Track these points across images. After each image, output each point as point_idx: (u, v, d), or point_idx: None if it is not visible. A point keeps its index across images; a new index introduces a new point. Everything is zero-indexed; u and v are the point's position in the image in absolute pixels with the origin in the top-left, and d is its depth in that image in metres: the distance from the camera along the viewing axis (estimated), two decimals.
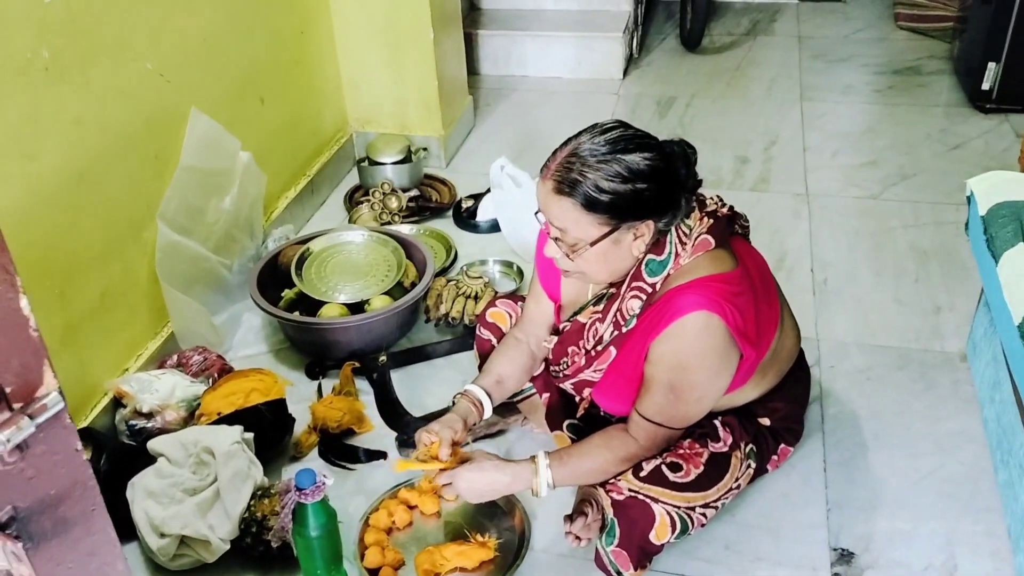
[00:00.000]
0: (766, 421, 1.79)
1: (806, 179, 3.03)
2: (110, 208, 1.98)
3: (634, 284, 1.58)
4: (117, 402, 2.00)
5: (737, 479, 1.70)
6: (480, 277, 2.36)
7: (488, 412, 1.77)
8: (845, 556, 1.74)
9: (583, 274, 1.59)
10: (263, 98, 2.59)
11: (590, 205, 1.46)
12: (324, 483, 1.54)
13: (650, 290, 1.57)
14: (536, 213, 1.55)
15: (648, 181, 1.47)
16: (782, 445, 1.84)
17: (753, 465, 1.75)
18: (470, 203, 2.85)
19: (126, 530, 1.74)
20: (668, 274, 1.56)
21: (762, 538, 1.78)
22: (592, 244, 1.50)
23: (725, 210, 1.69)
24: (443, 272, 2.57)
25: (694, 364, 1.55)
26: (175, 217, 2.17)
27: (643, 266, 1.57)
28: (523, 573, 1.71)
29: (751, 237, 1.78)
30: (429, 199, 2.93)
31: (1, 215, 1.67)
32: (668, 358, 1.55)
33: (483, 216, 2.78)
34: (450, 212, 2.88)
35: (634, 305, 1.59)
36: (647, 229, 1.51)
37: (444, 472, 1.62)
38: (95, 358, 1.99)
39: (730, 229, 1.68)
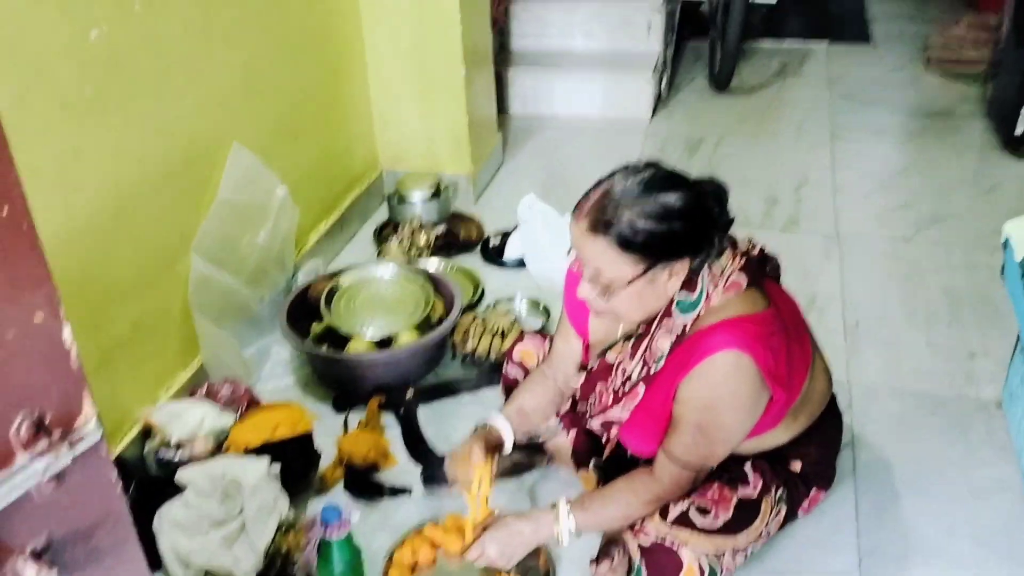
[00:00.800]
0: (797, 466, 1.76)
1: (837, 220, 3.02)
2: (145, 240, 2.01)
3: (664, 323, 1.58)
4: (146, 432, 2.01)
5: (767, 524, 1.67)
6: (507, 314, 2.37)
7: (509, 442, 1.76)
8: None
9: (616, 314, 1.58)
10: (297, 135, 2.63)
11: (625, 244, 1.46)
12: (349, 520, 1.53)
13: (680, 329, 1.56)
14: (568, 251, 1.55)
15: (682, 220, 1.47)
16: (813, 490, 1.81)
17: (783, 511, 1.72)
18: (497, 240, 2.86)
19: (152, 561, 1.74)
20: (699, 314, 1.55)
21: None
22: (628, 284, 1.50)
23: (756, 251, 1.68)
24: (470, 308, 2.57)
25: (723, 404, 1.54)
26: (210, 250, 2.20)
27: (674, 305, 1.56)
28: None
29: (781, 279, 1.77)
30: (457, 235, 2.95)
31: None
32: (697, 397, 1.54)
33: (510, 253, 2.78)
34: (478, 248, 2.89)
35: (663, 344, 1.58)
36: (682, 268, 1.51)
37: (471, 547, 1.62)
38: (126, 388, 2.00)
39: (762, 270, 1.67)
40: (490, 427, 1.76)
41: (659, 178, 1.49)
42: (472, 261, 2.84)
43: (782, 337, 1.57)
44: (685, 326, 1.56)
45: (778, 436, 1.71)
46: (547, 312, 2.53)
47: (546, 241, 2.58)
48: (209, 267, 2.18)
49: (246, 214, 2.31)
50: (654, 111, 3.92)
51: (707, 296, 1.55)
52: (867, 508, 1.90)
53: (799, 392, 1.67)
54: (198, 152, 2.16)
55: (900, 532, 1.84)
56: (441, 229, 2.90)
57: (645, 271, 1.48)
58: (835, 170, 3.36)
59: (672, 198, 1.46)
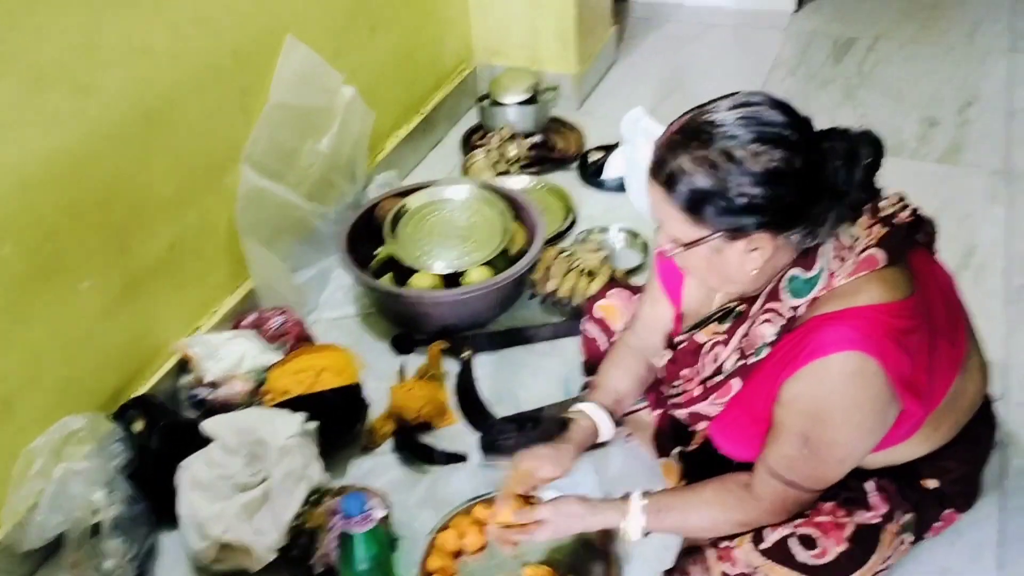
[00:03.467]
0: (933, 483, 1.42)
1: (1008, 152, 2.51)
2: (184, 150, 1.77)
3: (769, 305, 1.24)
4: (183, 365, 1.82)
5: (887, 559, 1.35)
6: (598, 250, 2.04)
7: (603, 437, 1.49)
8: None
9: (692, 275, 1.28)
10: (374, 24, 2.31)
11: (682, 202, 1.15)
12: (372, 515, 1.30)
13: (789, 314, 1.23)
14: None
15: (769, 186, 1.12)
16: (949, 510, 1.47)
17: (909, 540, 1.39)
18: (598, 156, 2.50)
19: (172, 519, 1.57)
20: (815, 297, 1.20)
21: None
22: (685, 247, 1.20)
23: (906, 214, 1.30)
24: (559, 236, 2.26)
25: (838, 418, 1.21)
26: (263, 160, 1.95)
27: (784, 282, 1.22)
28: None
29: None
30: (553, 147, 2.60)
31: (51, 156, 1.48)
32: (803, 404, 1.21)
33: (610, 173, 2.43)
34: (576, 164, 2.54)
35: (766, 331, 1.25)
36: (763, 243, 1.16)
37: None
38: (161, 315, 1.81)
39: (909, 241, 1.29)
40: (586, 422, 1.47)
41: (758, 123, 1.13)
42: (567, 179, 2.50)
43: (925, 333, 1.21)
44: (796, 310, 1.22)
45: (912, 450, 1.37)
46: (645, 248, 2.19)
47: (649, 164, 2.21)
48: (262, 179, 1.94)
49: (305, 118, 2.04)
50: (799, 3, 3.38)
51: (829, 275, 1.20)
52: (1014, 532, 1.55)
53: (942, 399, 1.31)
54: (251, 47, 1.88)
55: None
56: (536, 139, 2.56)
57: (706, 238, 1.17)
58: (1012, 87, 2.80)
59: (762, 154, 1.11)
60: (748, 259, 1.19)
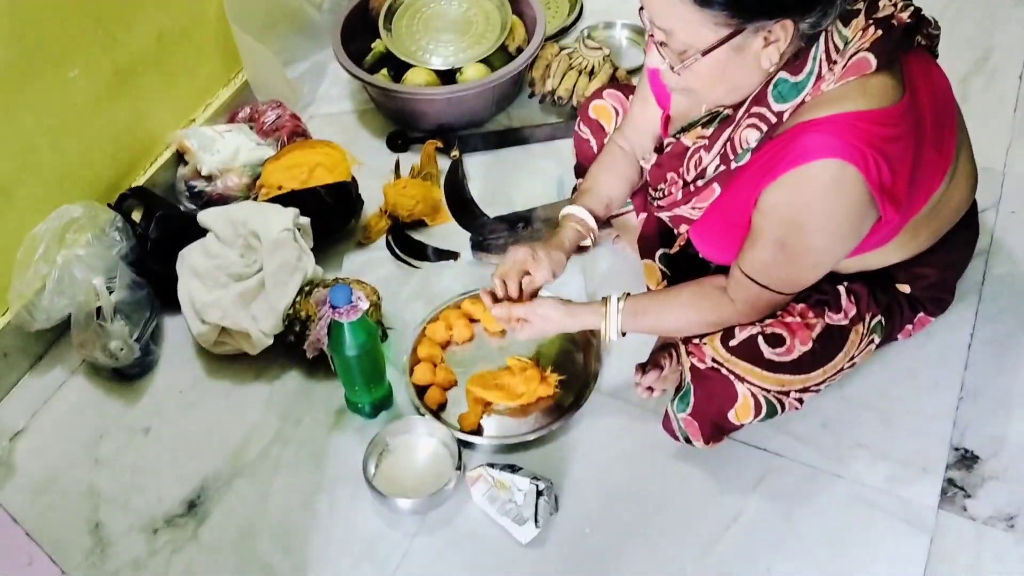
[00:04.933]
0: (906, 288, 1.45)
1: None
2: None
3: (755, 109, 1.21)
4: (180, 156, 1.84)
5: (852, 357, 1.40)
6: (599, 48, 1.98)
7: (590, 242, 1.51)
8: (967, 459, 1.46)
9: (692, 91, 1.23)
10: None
11: None
12: (358, 306, 1.35)
13: (774, 120, 1.20)
14: (640, 10, 1.17)
15: None
16: (920, 314, 1.51)
17: (877, 340, 1.44)
18: None
19: (174, 303, 1.65)
20: (803, 101, 1.18)
21: (869, 420, 1.51)
22: (705, 53, 1.13)
23: (905, 15, 1.24)
24: (562, 32, 2.19)
25: (814, 224, 1.21)
26: None
27: (770, 87, 1.19)
28: (583, 416, 1.53)
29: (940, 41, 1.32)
30: None
31: None
32: (782, 210, 1.21)
33: None
34: None
35: (750, 136, 1.23)
36: (783, 32, 1.11)
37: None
38: (155, 107, 1.81)
39: (907, 44, 1.24)
40: (581, 226, 1.48)
41: None
42: None
43: (910, 140, 1.19)
44: (781, 116, 1.20)
45: (888, 255, 1.38)
46: None
47: None
48: None
49: None
50: None
51: (817, 78, 1.17)
52: (986, 336, 1.59)
53: (923, 206, 1.31)
54: None
55: (1019, 373, 1.54)
56: None
57: (731, 35, 1.11)
58: None
59: None
60: (764, 55, 1.14)
